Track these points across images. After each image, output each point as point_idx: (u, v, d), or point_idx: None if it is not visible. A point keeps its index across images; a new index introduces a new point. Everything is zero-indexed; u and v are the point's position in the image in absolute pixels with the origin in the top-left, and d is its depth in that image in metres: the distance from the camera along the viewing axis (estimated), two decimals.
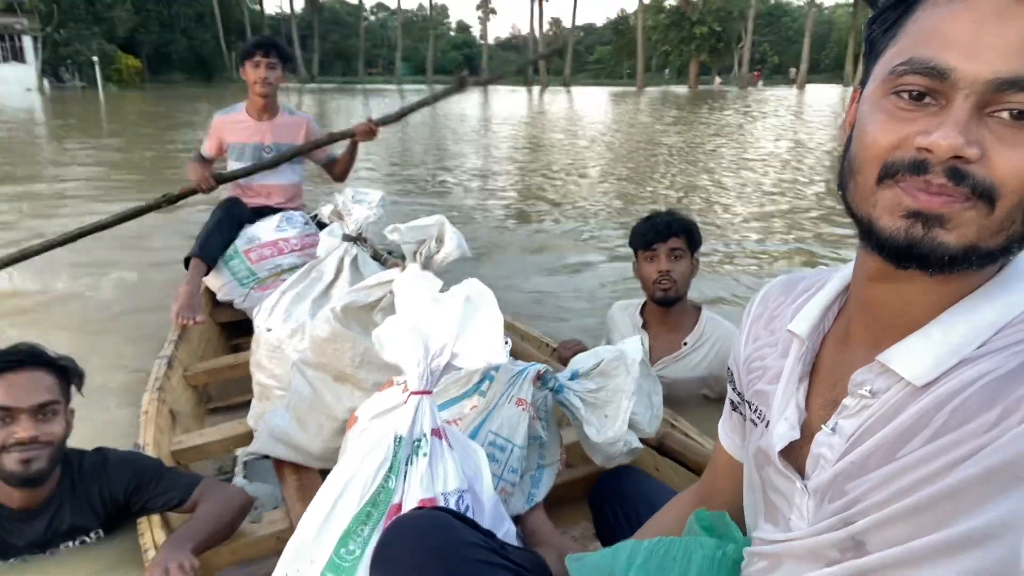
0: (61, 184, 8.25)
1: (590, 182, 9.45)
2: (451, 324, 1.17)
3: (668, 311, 2.45)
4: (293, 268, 3.15)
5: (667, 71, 73.84)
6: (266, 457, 2.04)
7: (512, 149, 13.60)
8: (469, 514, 1.21)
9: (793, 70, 62.75)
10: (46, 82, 38.66)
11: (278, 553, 1.24)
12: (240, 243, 3.20)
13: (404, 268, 1.84)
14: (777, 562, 0.84)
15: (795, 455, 0.83)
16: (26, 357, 1.58)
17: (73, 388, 1.70)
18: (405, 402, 1.23)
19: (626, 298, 2.76)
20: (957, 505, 0.64)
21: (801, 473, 0.82)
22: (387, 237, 1.84)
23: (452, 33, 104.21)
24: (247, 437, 2.17)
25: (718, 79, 64.62)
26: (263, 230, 3.24)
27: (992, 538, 0.62)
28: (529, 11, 67.71)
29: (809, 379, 0.86)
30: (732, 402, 1.03)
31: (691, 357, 2.45)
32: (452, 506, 1.19)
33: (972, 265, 0.66)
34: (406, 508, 1.19)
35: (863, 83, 0.74)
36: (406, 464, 1.20)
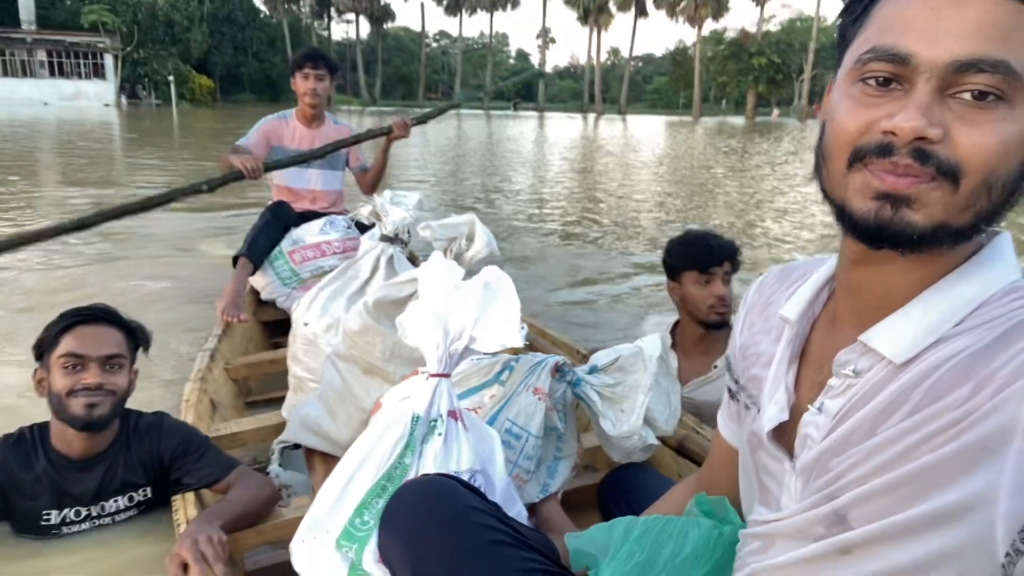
0: (129, 189, 8.66)
1: (635, 203, 9.49)
2: (470, 309, 1.21)
3: (707, 335, 2.39)
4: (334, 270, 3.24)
5: (724, 102, 73.66)
6: (298, 447, 2.10)
7: (561, 172, 13.75)
8: None
9: None
10: (123, 98, 40.88)
11: None
12: (285, 244, 3.30)
13: None
14: (769, 542, 0.85)
15: (785, 437, 0.85)
16: (101, 313, 1.70)
17: (140, 352, 1.80)
18: (425, 383, 1.27)
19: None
20: (932, 480, 0.65)
21: (791, 454, 0.83)
22: (421, 235, 1.90)
23: (512, 60, 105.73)
24: (282, 428, 2.23)
25: (776, 111, 64.30)
26: (307, 233, 3.34)
27: (969, 511, 0.63)
28: (587, 40, 68.77)
29: (799, 362, 0.87)
30: (730, 390, 1.04)
31: (720, 381, 2.41)
32: None
33: (942, 243, 0.68)
34: None
35: (835, 73, 0.77)
36: (422, 443, 1.24)
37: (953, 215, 0.66)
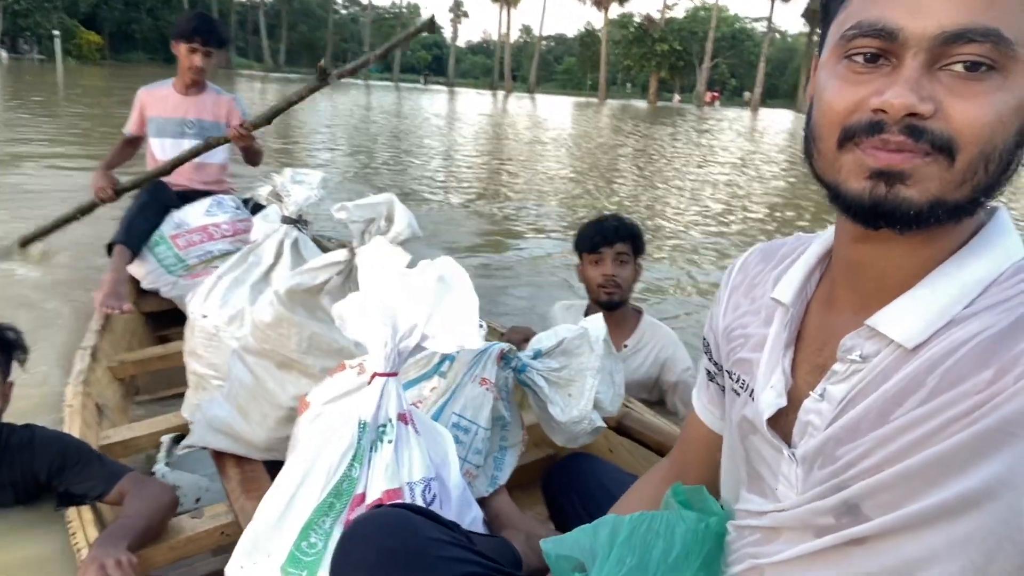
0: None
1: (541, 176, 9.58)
2: (423, 304, 1.10)
3: (611, 314, 2.42)
4: (225, 255, 3.00)
5: (629, 86, 75.14)
6: (203, 448, 1.92)
7: (472, 145, 13.61)
8: (436, 503, 1.15)
9: (748, 93, 64.31)
10: (3, 52, 36.86)
11: (223, 548, 1.15)
12: (166, 228, 3.03)
13: (352, 248, 1.75)
14: (772, 534, 0.82)
15: (781, 423, 0.81)
16: None
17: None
18: (369, 383, 1.15)
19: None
20: (950, 466, 0.63)
21: (787, 441, 0.79)
22: (336, 216, 1.74)
23: (424, 34, 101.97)
24: (182, 429, 2.04)
25: (677, 97, 66.05)
26: (191, 215, 3.07)
27: (990, 498, 0.61)
28: (500, 19, 67.41)
29: (795, 346, 0.83)
30: (709, 372, 1.00)
31: (631, 360, 2.43)
32: (418, 495, 1.12)
33: (941, 220, 0.65)
34: (370, 499, 1.11)
35: (819, 50, 0.74)
36: (370, 451, 1.13)
37: (950, 190, 0.63)
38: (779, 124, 35.41)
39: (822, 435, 0.74)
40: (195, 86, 3.30)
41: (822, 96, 0.69)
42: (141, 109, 3.30)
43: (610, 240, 2.31)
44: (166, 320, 3.13)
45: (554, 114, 30.47)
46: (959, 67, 0.61)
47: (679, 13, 64.96)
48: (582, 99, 58.41)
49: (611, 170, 11.48)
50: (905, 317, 0.69)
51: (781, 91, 73.80)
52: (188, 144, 3.23)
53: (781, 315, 0.84)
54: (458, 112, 25.70)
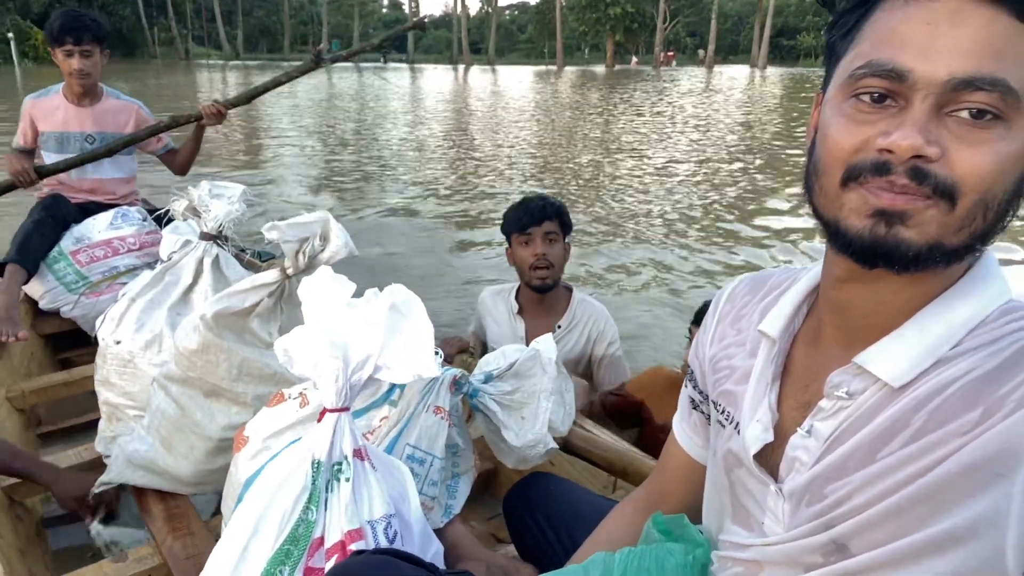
0: None
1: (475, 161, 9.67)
2: (375, 334, 1.03)
3: (543, 296, 2.40)
4: (132, 270, 2.81)
5: (586, 51, 74.89)
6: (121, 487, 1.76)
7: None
8: (398, 540, 1.08)
9: (701, 51, 64.63)
10: None
11: None
12: (66, 244, 2.79)
13: (284, 269, 1.64)
14: (755, 568, 0.81)
15: (767, 458, 0.80)
16: None
17: None
18: (319, 420, 1.07)
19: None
20: (938, 504, 0.63)
21: (774, 476, 0.79)
22: (267, 236, 1.63)
23: (385, 10, 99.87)
24: (94, 465, 1.87)
25: (635, 59, 66.38)
26: (93, 228, 2.84)
27: (975, 536, 0.61)
28: None
29: (780, 380, 0.82)
30: (693, 400, 0.98)
31: (565, 340, 2.42)
32: (380, 534, 1.05)
33: (938, 263, 0.65)
34: (329, 542, 1.03)
35: (824, 87, 0.74)
36: (326, 491, 1.05)
37: (948, 234, 0.63)
38: (726, 79, 36.33)
39: (809, 472, 0.73)
40: (88, 95, 3.02)
41: (827, 132, 0.68)
42: (30, 121, 2.99)
43: (538, 219, 2.29)
44: (68, 342, 2.89)
45: (507, 86, 30.39)
46: (965, 114, 0.61)
47: None
48: (542, 68, 58.63)
49: (527, 146, 11.62)
50: (892, 356, 0.69)
51: (742, 47, 72.51)
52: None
53: (767, 348, 0.83)
54: (390, 93, 25.19)
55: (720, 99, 23.19)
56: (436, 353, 1.04)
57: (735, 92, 26.85)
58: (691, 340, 2.12)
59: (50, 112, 2.99)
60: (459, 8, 66.78)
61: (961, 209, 0.62)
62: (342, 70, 42.04)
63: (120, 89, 3.21)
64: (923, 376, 0.67)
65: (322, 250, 1.62)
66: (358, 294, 1.12)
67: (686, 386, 1.00)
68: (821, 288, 0.80)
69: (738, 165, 9.83)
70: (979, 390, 0.63)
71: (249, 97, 3.01)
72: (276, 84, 3.01)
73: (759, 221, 6.79)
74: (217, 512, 1.82)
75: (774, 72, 46.63)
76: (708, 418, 0.94)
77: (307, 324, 1.09)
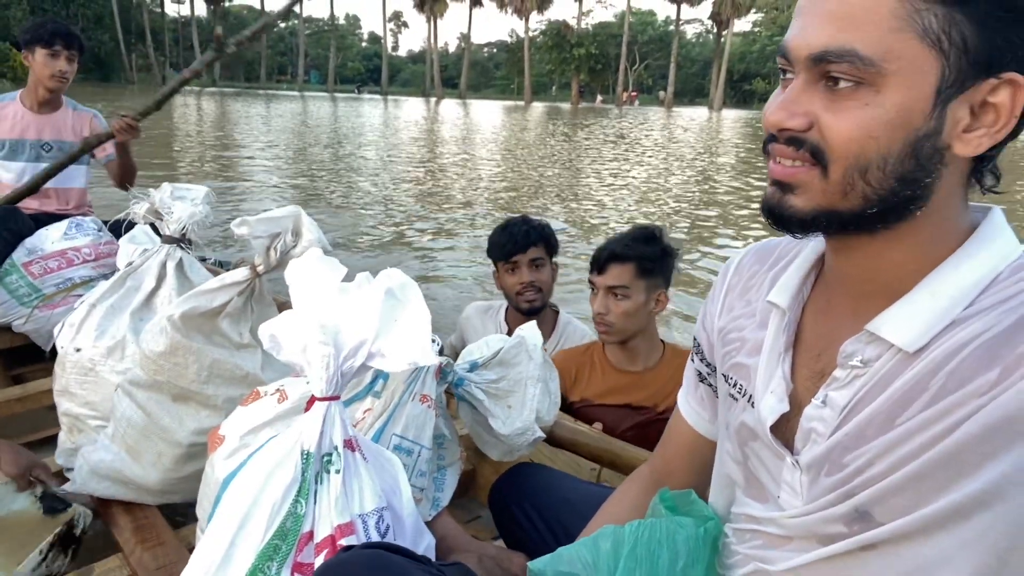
0: None
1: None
2: (369, 320, 0.96)
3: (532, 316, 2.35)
4: (87, 282, 2.67)
5: (554, 88, 77.54)
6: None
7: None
8: (390, 534, 1.02)
9: (662, 92, 66.59)
10: None
11: None
12: (18, 256, 2.63)
13: (255, 266, 1.56)
14: (777, 540, 0.78)
15: (782, 429, 0.77)
16: None
17: None
18: (307, 409, 1.00)
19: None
20: (961, 466, 0.61)
21: (789, 448, 0.76)
22: (236, 232, 1.55)
23: (364, 44, 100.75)
24: (57, 476, 1.75)
25: (600, 97, 68.42)
26: (46, 240, 2.69)
27: (1001, 498, 0.59)
28: (427, 26, 67.02)
29: (793, 350, 0.80)
30: (700, 373, 0.94)
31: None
32: (372, 528, 0.99)
33: (832, 228, 0.67)
34: (319, 536, 0.96)
35: None
36: (316, 483, 0.98)
37: (835, 200, 0.65)
38: (684, 119, 37.33)
39: (827, 442, 0.71)
40: (49, 103, 2.93)
41: None
42: None
43: (522, 246, 2.23)
44: (20, 357, 2.73)
45: (474, 118, 31.42)
46: (825, 84, 0.63)
47: (608, 17, 68.21)
48: (511, 103, 60.37)
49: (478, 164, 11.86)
50: (905, 321, 0.67)
51: (706, 90, 73.15)
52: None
53: (777, 319, 0.80)
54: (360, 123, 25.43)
55: (666, 133, 24.41)
56: (433, 341, 0.98)
57: (677, 129, 28.28)
58: (594, 292, 1.96)
59: (4, 118, 2.90)
60: (433, 43, 68.48)
61: (835, 174, 0.64)
62: (320, 100, 42.30)
63: (97, 109, 3.14)
64: (937, 339, 0.65)
65: (294, 246, 1.55)
66: (347, 279, 1.06)
67: (692, 360, 0.96)
68: (826, 257, 0.78)
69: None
70: (996, 349, 0.61)
71: (157, 103, 2.87)
72: (182, 83, 2.95)
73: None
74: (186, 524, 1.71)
75: (729, 114, 48.90)
76: (715, 391, 0.91)
77: (295, 308, 1.02)
